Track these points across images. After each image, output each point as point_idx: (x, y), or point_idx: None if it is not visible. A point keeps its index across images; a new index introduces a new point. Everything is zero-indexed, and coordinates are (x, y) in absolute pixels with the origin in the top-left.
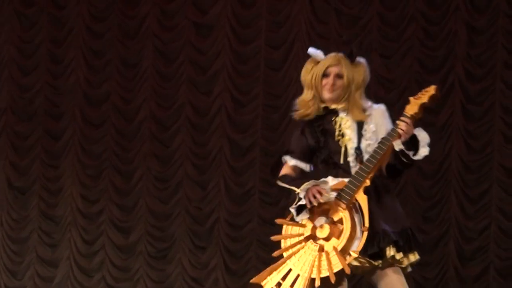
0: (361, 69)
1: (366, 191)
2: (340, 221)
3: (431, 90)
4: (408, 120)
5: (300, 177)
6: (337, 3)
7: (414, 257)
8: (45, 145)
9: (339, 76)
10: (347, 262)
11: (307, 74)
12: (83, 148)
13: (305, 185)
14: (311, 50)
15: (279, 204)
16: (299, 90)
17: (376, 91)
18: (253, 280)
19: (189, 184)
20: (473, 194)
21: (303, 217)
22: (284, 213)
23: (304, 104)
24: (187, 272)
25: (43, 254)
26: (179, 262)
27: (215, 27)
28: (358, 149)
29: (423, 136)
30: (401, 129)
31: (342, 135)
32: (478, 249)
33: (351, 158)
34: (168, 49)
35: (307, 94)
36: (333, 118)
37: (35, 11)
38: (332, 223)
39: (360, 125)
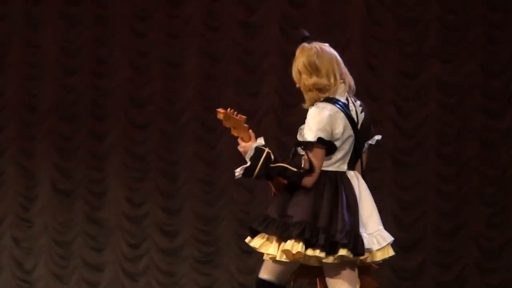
0: (299, 55)
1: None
2: None
3: None
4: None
5: None
6: (394, 5)
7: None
8: (89, 147)
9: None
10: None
11: None
12: (128, 150)
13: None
14: None
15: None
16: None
17: (436, 95)
18: None
19: (235, 187)
20: None
21: None
22: None
23: None
24: (235, 277)
25: (89, 258)
26: (226, 267)
27: (263, 27)
28: None
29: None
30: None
31: None
32: None
33: None
34: (214, 48)
35: None
36: None
37: (79, 10)
38: None
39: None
